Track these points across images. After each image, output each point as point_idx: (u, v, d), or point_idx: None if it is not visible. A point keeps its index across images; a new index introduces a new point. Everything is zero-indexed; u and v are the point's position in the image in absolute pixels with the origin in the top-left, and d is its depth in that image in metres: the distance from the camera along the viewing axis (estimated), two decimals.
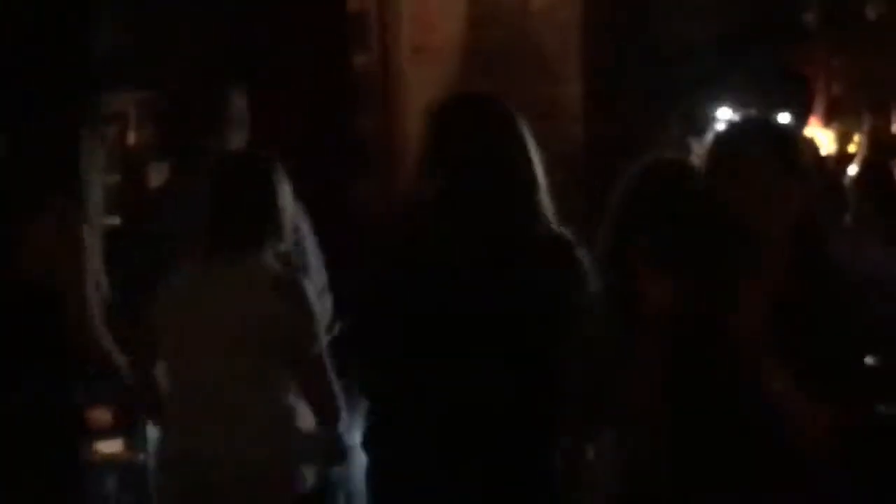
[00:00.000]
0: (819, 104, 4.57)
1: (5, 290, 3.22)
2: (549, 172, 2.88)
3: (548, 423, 2.58)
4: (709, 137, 3.21)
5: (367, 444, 2.75)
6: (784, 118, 4.41)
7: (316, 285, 3.40)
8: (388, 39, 5.93)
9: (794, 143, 2.55)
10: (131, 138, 5.60)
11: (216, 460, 2.88)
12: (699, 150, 3.99)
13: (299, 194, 3.35)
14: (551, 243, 2.66)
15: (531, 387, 2.55)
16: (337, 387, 3.05)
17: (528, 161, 2.75)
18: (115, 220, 4.91)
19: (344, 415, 3.08)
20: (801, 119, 4.72)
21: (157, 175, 5.02)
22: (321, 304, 3.30)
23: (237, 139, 3.88)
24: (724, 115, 4.32)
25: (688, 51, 4.50)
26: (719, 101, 4.38)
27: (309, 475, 2.97)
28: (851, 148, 4.63)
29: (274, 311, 2.95)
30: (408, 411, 2.63)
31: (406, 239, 2.80)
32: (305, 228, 3.60)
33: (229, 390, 2.92)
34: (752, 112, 4.24)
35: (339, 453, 3.17)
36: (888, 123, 4.63)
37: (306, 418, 3.05)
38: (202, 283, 3.04)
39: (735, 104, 4.36)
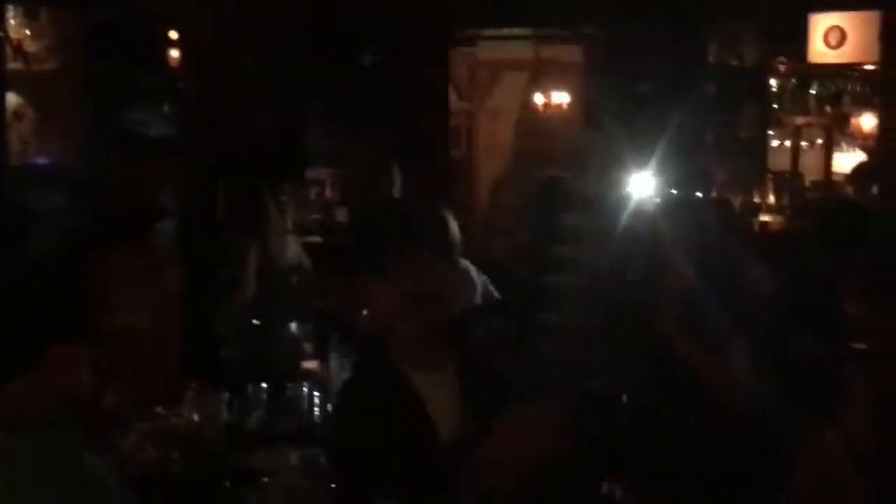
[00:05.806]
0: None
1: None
2: None
3: None
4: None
5: None
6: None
7: None
8: (472, 141, 8.86)
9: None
10: (327, 193, 6.98)
11: None
12: None
13: None
14: None
15: None
16: None
17: None
18: (316, 238, 6.01)
19: None
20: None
21: (341, 213, 6.34)
22: None
23: (393, 190, 4.80)
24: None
25: None
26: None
27: None
28: None
29: None
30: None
31: None
32: None
33: None
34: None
35: None
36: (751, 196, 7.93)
37: None
38: None
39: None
